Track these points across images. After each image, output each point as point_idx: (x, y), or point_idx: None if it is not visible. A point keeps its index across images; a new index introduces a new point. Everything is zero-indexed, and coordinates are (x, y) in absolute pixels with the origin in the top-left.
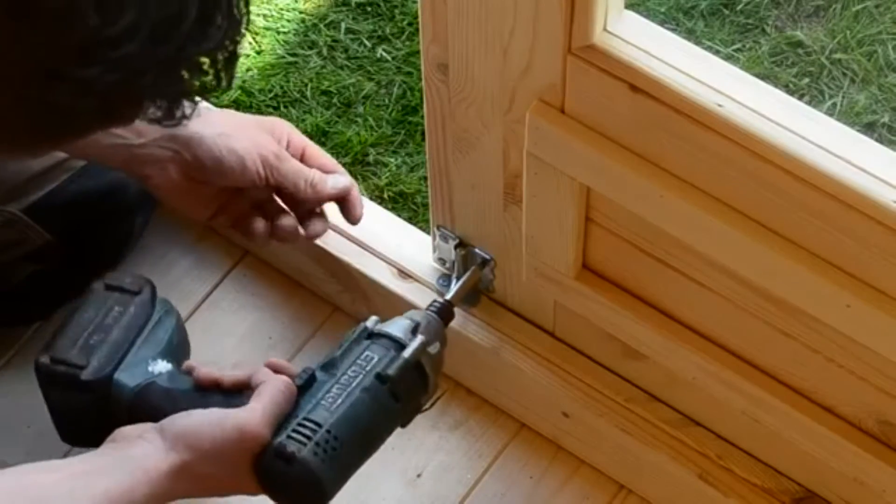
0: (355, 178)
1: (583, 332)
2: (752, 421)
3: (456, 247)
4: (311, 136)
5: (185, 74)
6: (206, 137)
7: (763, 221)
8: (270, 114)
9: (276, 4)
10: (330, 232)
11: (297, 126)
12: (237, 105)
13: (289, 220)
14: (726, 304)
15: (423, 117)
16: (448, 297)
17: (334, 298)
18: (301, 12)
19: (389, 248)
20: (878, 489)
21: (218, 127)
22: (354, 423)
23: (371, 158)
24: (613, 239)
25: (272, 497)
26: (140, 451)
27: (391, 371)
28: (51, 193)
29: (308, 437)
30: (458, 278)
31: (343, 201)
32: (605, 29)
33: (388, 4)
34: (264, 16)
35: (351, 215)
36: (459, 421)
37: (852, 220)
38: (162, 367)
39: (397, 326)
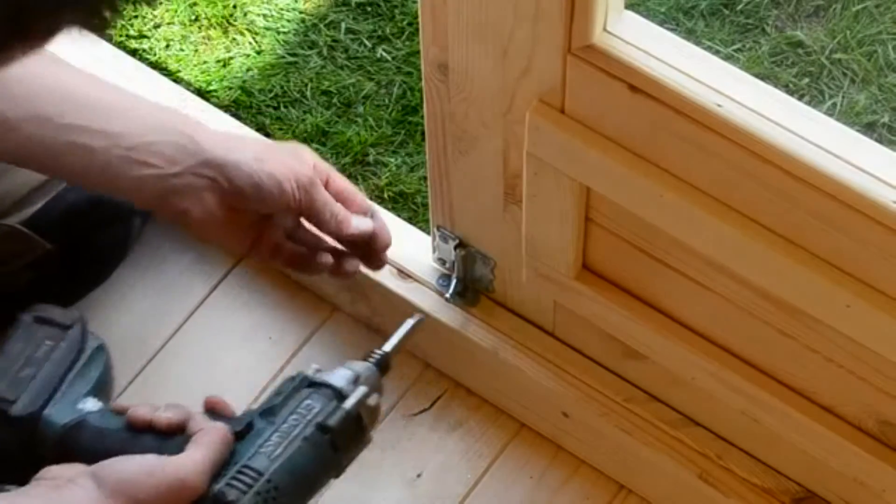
0: (355, 178)
1: (583, 333)
2: (752, 421)
3: (456, 247)
4: (311, 136)
5: None
6: (241, 162)
7: (763, 221)
8: (270, 114)
9: (276, 4)
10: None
11: (297, 126)
12: (237, 105)
13: (354, 261)
14: (726, 304)
15: (423, 117)
16: (387, 349)
17: (334, 298)
18: (301, 12)
19: (390, 248)
20: (877, 489)
21: (250, 152)
22: (294, 473)
23: (371, 158)
24: (613, 239)
25: None
26: (72, 496)
27: (332, 422)
28: (50, 203)
29: (248, 486)
30: (397, 331)
31: (365, 246)
32: (604, 29)
33: (388, 4)
34: (264, 16)
35: (370, 261)
36: (459, 421)
37: (852, 220)
38: (92, 405)
39: (338, 376)
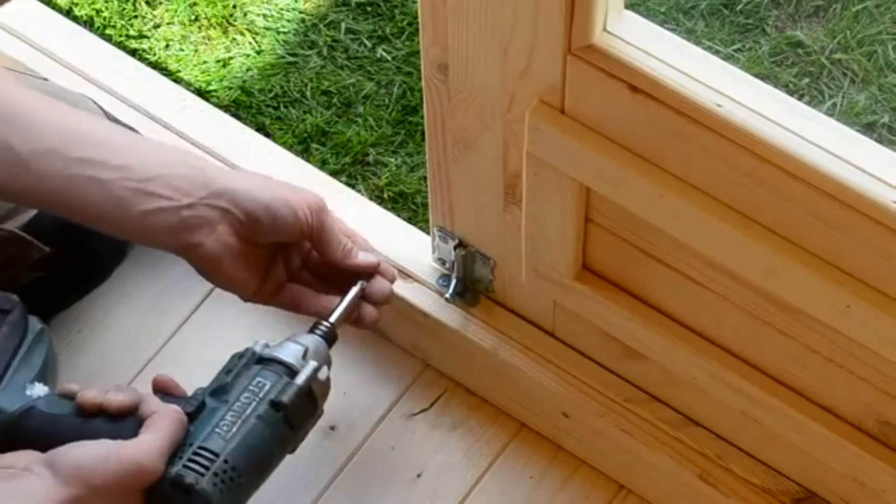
0: (355, 178)
1: (582, 333)
2: (752, 421)
3: (455, 247)
4: (311, 136)
5: None
6: (253, 190)
7: (762, 222)
8: (270, 114)
9: (276, 4)
10: None
11: (297, 126)
12: (237, 105)
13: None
14: (726, 304)
15: (423, 117)
16: (332, 319)
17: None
18: (301, 12)
19: (389, 248)
20: (877, 489)
21: (258, 182)
22: (250, 452)
23: (371, 158)
24: (613, 239)
25: None
26: (29, 484)
27: (285, 398)
28: None
29: (205, 467)
30: (342, 301)
31: (369, 277)
32: (604, 29)
33: (388, 4)
34: (264, 16)
35: (374, 294)
36: (459, 421)
37: (852, 220)
38: (40, 390)
39: (287, 351)
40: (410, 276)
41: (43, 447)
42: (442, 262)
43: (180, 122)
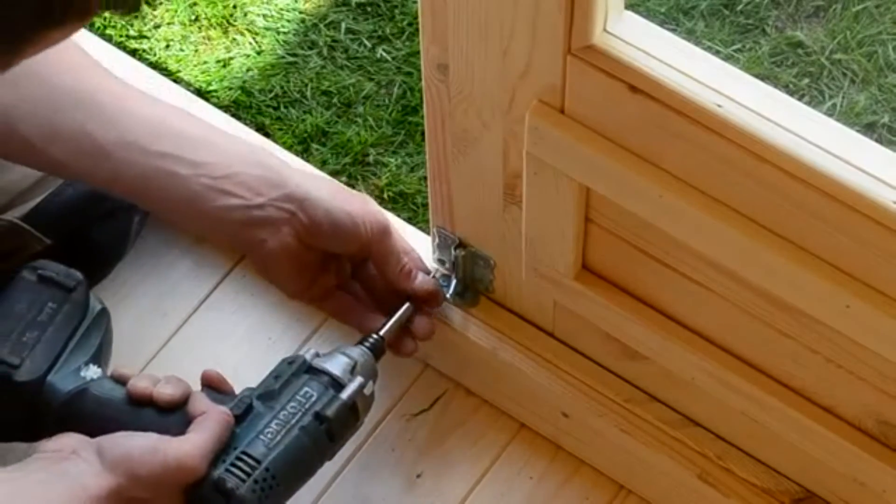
0: (355, 178)
1: (582, 333)
2: (752, 421)
3: (455, 247)
4: (311, 136)
5: None
6: (321, 199)
7: (762, 222)
8: (270, 114)
9: (276, 4)
10: None
11: (297, 126)
12: (237, 105)
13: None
14: (725, 304)
15: (423, 117)
16: (382, 333)
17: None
18: (301, 12)
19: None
20: (877, 490)
21: (326, 190)
22: (290, 461)
23: (371, 158)
24: (613, 239)
25: None
26: (76, 469)
27: (330, 412)
28: (49, 198)
29: (247, 474)
30: (392, 317)
31: (419, 303)
32: (604, 29)
33: (388, 4)
34: (264, 16)
35: (417, 328)
36: (459, 421)
37: (852, 221)
38: (93, 372)
39: (336, 364)
40: None
41: (92, 430)
42: (442, 262)
43: None
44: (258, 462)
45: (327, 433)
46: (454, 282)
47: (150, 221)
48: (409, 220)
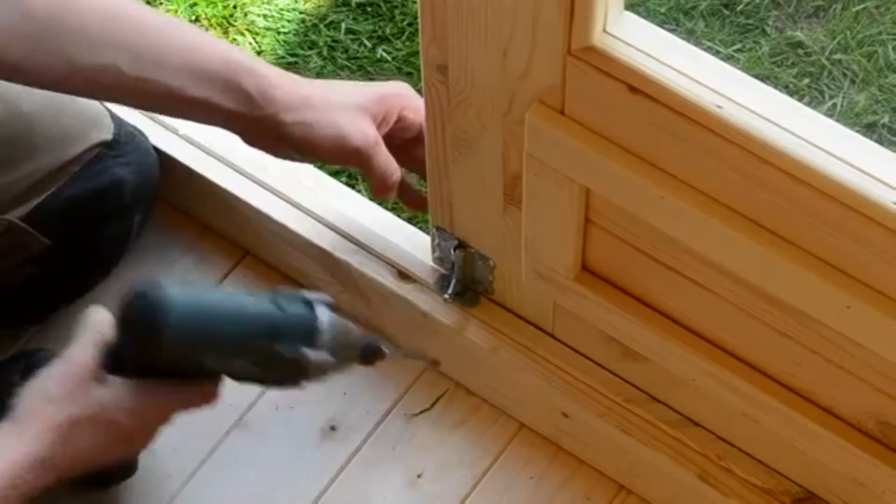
0: (355, 178)
1: (582, 333)
2: (752, 422)
3: (455, 248)
4: None
5: None
6: (298, 124)
7: (762, 223)
8: None
9: (276, 4)
10: (330, 232)
11: None
12: None
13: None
14: (725, 305)
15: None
16: (387, 350)
17: (334, 299)
18: (301, 12)
19: (389, 248)
20: (877, 490)
21: (314, 112)
22: (226, 299)
23: None
24: (613, 240)
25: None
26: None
27: (281, 347)
28: (48, 199)
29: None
30: (404, 352)
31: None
32: (604, 30)
33: (389, 5)
34: (264, 16)
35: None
36: (459, 421)
37: (852, 221)
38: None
39: (333, 329)
40: (410, 277)
41: None
42: (441, 262)
43: (181, 122)
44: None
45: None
46: (454, 282)
47: (150, 221)
48: (409, 221)
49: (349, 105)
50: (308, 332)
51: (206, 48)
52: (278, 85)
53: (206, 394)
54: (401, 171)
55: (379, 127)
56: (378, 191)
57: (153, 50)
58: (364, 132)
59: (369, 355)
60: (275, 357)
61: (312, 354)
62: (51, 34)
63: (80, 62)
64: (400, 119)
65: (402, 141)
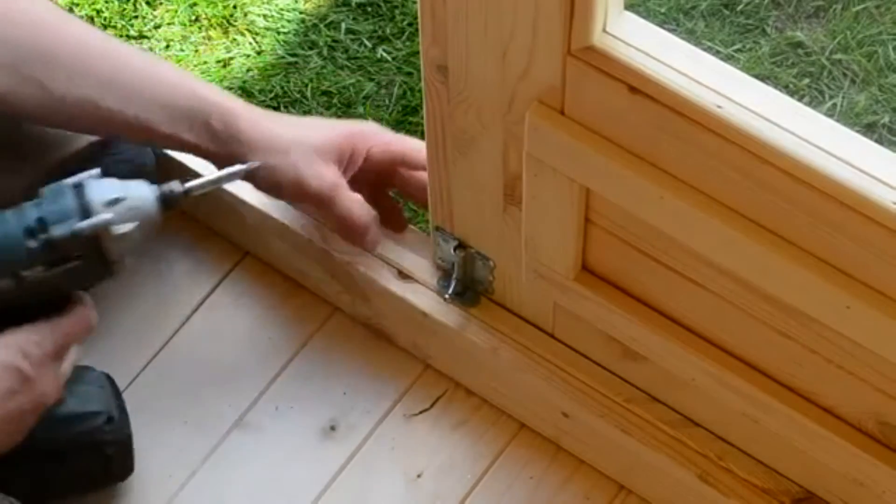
0: None
1: (582, 333)
2: (752, 422)
3: (455, 248)
4: None
5: None
6: (262, 168)
7: (762, 223)
8: None
9: (276, 4)
10: (330, 232)
11: None
12: None
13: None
14: (726, 305)
15: (423, 118)
16: (187, 186)
17: (334, 299)
18: (301, 12)
19: (389, 248)
20: (877, 490)
21: (276, 155)
22: None
23: None
24: (613, 240)
25: None
26: None
27: (56, 232)
28: None
29: None
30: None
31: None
32: (604, 30)
33: (389, 5)
34: (264, 16)
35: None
36: (459, 421)
37: (852, 221)
38: None
39: (101, 189)
40: (410, 277)
41: None
42: (442, 262)
43: None
44: None
45: (44, 248)
46: (454, 282)
47: None
48: (409, 221)
49: (310, 148)
50: (82, 212)
51: (174, 82)
52: (245, 123)
53: (78, 317)
54: (374, 213)
55: (346, 169)
56: (343, 235)
57: (125, 83)
58: (321, 177)
59: (170, 203)
60: (57, 245)
61: (87, 223)
62: (20, 61)
63: (56, 92)
64: (368, 158)
65: (375, 177)
